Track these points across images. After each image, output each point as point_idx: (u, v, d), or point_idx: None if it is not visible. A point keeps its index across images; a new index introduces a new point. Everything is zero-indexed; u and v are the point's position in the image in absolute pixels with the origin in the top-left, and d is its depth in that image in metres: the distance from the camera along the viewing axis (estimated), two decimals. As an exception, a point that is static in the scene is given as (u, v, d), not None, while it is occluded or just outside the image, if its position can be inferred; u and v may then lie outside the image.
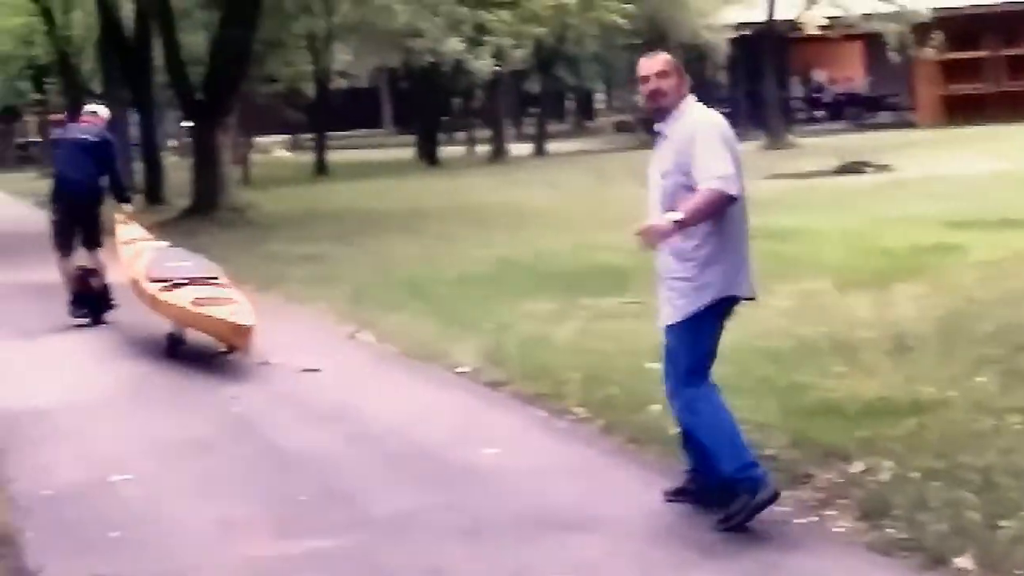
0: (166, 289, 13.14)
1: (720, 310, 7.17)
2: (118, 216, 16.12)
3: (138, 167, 38.88)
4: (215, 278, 13.67)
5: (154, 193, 34.25)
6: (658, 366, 10.09)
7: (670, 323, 7.20)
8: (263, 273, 18.03)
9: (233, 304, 12.61)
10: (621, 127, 68.53)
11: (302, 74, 49.10)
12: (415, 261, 18.06)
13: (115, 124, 43.04)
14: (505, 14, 42.63)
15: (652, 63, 7.20)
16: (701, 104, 7.33)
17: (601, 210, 24.70)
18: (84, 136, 15.54)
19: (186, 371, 12.14)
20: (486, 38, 42.75)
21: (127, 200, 16.31)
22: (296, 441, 9.30)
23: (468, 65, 43.72)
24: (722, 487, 7.03)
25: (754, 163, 35.01)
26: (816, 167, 31.85)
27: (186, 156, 44.38)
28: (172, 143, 63.41)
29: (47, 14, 47.72)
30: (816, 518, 6.97)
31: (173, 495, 8.13)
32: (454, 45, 40.91)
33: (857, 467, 7.53)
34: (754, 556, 6.51)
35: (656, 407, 9.07)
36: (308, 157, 50.41)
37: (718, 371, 9.87)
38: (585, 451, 8.53)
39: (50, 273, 15.95)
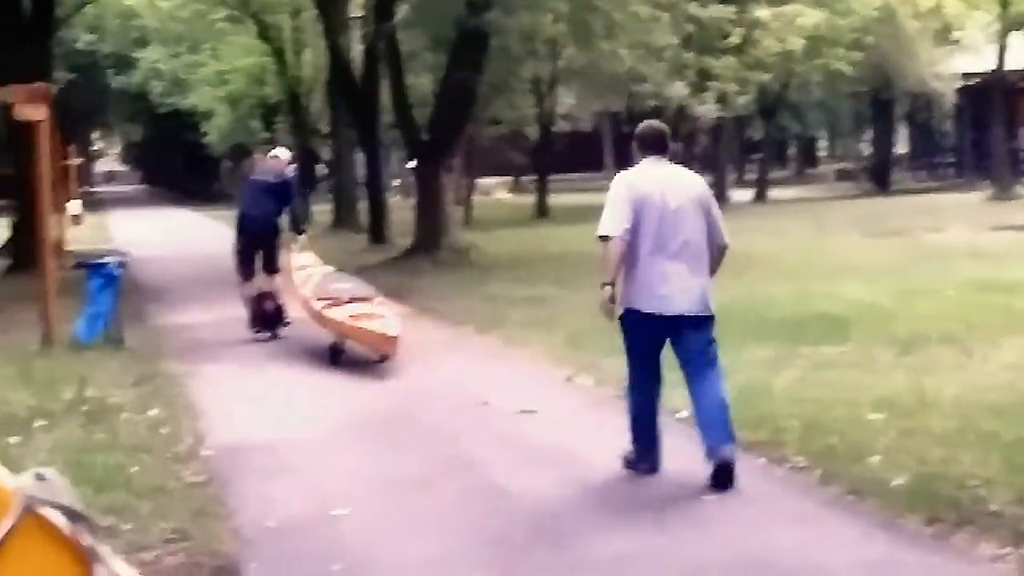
0: (329, 306, 15.49)
1: (635, 320, 9.16)
2: (293, 245, 18.17)
3: (362, 206, 39.48)
4: (372, 298, 16.05)
5: (377, 232, 34.68)
6: (880, 417, 10.07)
7: None
8: (483, 315, 18.22)
9: (382, 319, 14.90)
10: (843, 175, 67.81)
11: (526, 117, 49.45)
12: (634, 305, 18.00)
13: (341, 163, 44.07)
14: (730, 60, 42.57)
15: None
16: (639, 167, 9.37)
17: (822, 258, 24.47)
18: (266, 178, 17.57)
19: (406, 409, 12.29)
20: (710, 83, 42.69)
21: (301, 232, 18.35)
22: (513, 482, 9.35)
23: (691, 110, 43.68)
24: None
25: (980, 214, 34.53)
26: (1045, 219, 31.14)
27: (409, 196, 44.98)
28: (395, 183, 64.27)
29: (279, 54, 48.82)
30: (1041, 578, 6.83)
31: (393, 531, 8.23)
32: (678, 90, 40.88)
33: (1084, 525, 7.36)
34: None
35: (876, 458, 8.99)
36: (529, 199, 50.70)
37: (941, 424, 9.74)
38: (803, 501, 8.45)
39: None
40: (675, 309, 9.07)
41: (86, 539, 2.44)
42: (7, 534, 2.38)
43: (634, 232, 9.03)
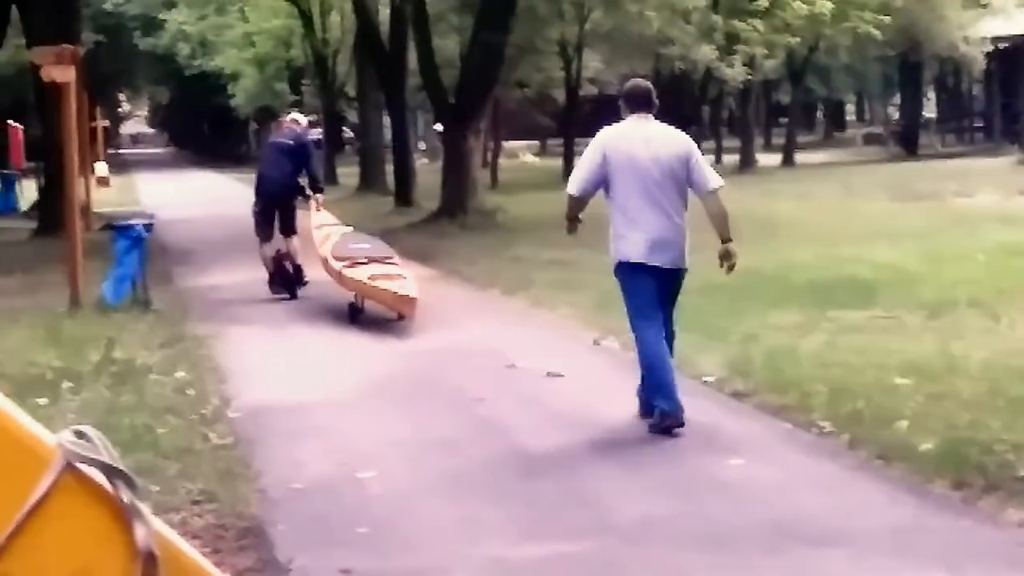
0: (348, 266, 15.81)
1: (625, 271, 9.74)
2: (312, 204, 18.37)
3: (389, 169, 39.47)
4: (390, 258, 16.43)
5: (404, 195, 34.69)
6: (908, 381, 10.06)
7: None
8: (510, 277, 18.24)
9: (401, 280, 15.10)
10: (871, 139, 67.60)
11: (552, 80, 49.35)
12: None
13: (368, 126, 44.09)
14: (758, 23, 42.40)
15: None
16: (622, 124, 9.87)
17: (849, 223, 24.43)
18: (283, 140, 17.97)
19: (432, 372, 12.31)
20: (738, 46, 42.54)
21: (320, 190, 18.52)
22: (539, 444, 9.35)
23: (719, 73, 43.57)
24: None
25: (1009, 179, 34.37)
26: (1073, 184, 30.98)
27: (436, 159, 44.96)
28: (422, 146, 64.24)
29: (306, 16, 48.79)
30: (1069, 542, 6.82)
31: (420, 493, 8.23)
32: (706, 53, 40.80)
33: (1113, 490, 7.35)
34: (1003, 578, 6.40)
35: (903, 423, 8.98)
36: (556, 162, 50.64)
37: (969, 389, 9.73)
38: (830, 465, 8.44)
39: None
40: (654, 261, 9.62)
41: (125, 496, 2.46)
42: (47, 490, 2.40)
43: (615, 189, 9.70)
